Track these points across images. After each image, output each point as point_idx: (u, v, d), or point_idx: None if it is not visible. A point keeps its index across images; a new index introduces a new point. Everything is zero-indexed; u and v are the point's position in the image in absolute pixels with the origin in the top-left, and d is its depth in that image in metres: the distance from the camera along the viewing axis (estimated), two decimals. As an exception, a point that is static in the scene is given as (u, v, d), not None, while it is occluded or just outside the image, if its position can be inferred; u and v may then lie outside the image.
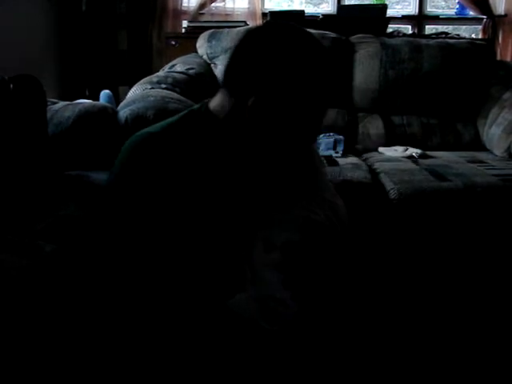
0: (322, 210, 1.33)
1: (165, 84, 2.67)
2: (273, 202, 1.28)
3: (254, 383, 1.21)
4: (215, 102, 1.23)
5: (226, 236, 1.22)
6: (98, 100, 3.24)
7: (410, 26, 4.42)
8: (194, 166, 1.17)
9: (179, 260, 1.17)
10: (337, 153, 2.73)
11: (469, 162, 2.59)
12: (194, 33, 3.57)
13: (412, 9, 4.46)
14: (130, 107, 2.33)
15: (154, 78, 2.76)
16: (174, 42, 3.82)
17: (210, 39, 3.10)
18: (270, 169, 1.25)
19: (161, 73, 2.89)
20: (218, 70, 3.03)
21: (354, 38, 3.15)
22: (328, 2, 4.47)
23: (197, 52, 3.16)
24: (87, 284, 1.36)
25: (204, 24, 3.87)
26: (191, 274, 1.19)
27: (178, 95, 2.57)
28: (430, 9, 4.48)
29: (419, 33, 4.33)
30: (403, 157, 2.67)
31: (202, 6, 4.23)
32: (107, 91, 3.34)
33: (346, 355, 1.36)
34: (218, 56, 3.05)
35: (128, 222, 1.17)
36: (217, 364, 1.20)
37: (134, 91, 2.61)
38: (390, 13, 4.00)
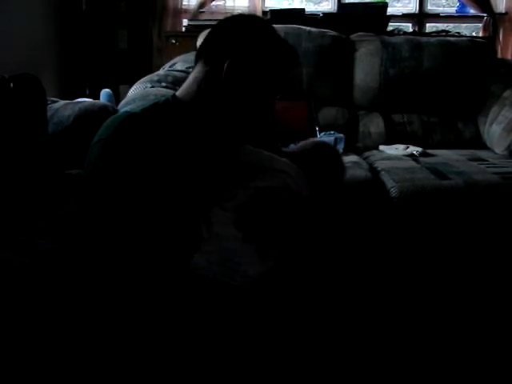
0: (271, 177, 1.47)
1: (165, 82, 2.67)
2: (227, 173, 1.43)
3: (222, 341, 1.28)
4: (181, 89, 1.44)
5: (185, 201, 1.32)
6: (98, 99, 3.24)
7: (410, 24, 4.41)
8: (164, 143, 1.32)
9: (144, 225, 1.26)
10: (337, 151, 2.73)
11: (469, 160, 2.58)
12: (194, 31, 3.57)
13: (412, 7, 4.46)
14: (130, 106, 2.33)
15: (154, 76, 2.76)
16: (174, 41, 3.82)
17: (210, 38, 3.09)
18: (237, 134, 1.42)
19: (161, 71, 2.89)
20: (219, 68, 3.03)
21: (354, 37, 3.15)
22: (328, 1, 4.46)
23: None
24: (86, 281, 1.37)
25: (204, 22, 3.86)
26: (153, 238, 1.27)
27: (179, 94, 2.57)
28: (430, 7, 4.47)
29: (420, 31, 4.33)
30: (404, 155, 2.66)
31: (202, 5, 4.23)
32: (107, 90, 3.34)
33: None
34: (218, 54, 3.04)
35: (107, 192, 1.27)
36: (184, 323, 1.27)
37: (135, 90, 2.61)
38: (390, 11, 4.00)
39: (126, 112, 1.37)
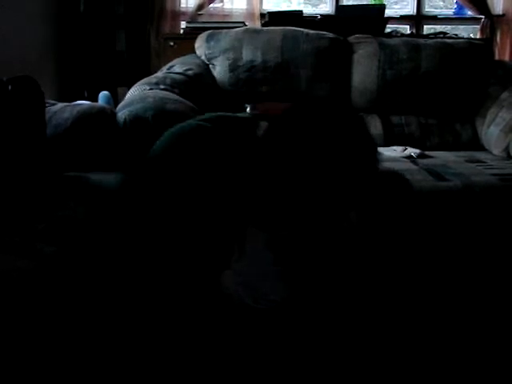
0: None
1: (163, 85, 2.67)
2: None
3: (242, 359, 1.28)
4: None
5: (226, 215, 1.34)
6: (96, 101, 3.24)
7: (408, 26, 4.42)
8: (223, 161, 1.36)
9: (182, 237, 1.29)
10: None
11: (467, 161, 2.59)
12: (192, 33, 3.57)
13: (410, 9, 4.46)
14: (128, 108, 2.33)
15: (152, 78, 2.76)
16: (172, 43, 3.83)
17: (208, 40, 3.10)
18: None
19: (159, 74, 2.89)
20: (217, 70, 3.04)
21: (352, 39, 3.15)
22: (326, 3, 4.46)
23: (195, 53, 3.16)
24: (87, 285, 1.38)
25: (202, 25, 3.87)
26: (189, 250, 1.30)
27: (177, 96, 2.57)
28: (428, 9, 4.48)
29: (417, 33, 4.33)
30: (402, 157, 2.67)
31: (200, 7, 4.23)
32: (106, 92, 3.34)
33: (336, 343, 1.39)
34: (216, 57, 3.05)
35: (162, 195, 1.27)
36: (207, 339, 1.28)
37: (133, 92, 2.61)
38: (388, 13, 4.00)
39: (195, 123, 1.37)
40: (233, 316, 1.29)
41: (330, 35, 3.10)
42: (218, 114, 1.59)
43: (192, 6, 4.25)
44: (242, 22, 3.90)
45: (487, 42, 4.00)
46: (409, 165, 2.50)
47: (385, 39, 3.17)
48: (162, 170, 1.28)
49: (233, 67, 3.00)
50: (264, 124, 1.47)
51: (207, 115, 1.51)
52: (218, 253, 1.31)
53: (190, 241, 1.26)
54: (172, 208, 1.25)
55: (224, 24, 3.71)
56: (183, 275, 1.26)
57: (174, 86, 2.69)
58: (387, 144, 2.88)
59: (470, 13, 4.38)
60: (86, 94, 3.90)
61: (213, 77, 3.03)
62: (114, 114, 2.31)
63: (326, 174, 1.34)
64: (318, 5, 4.62)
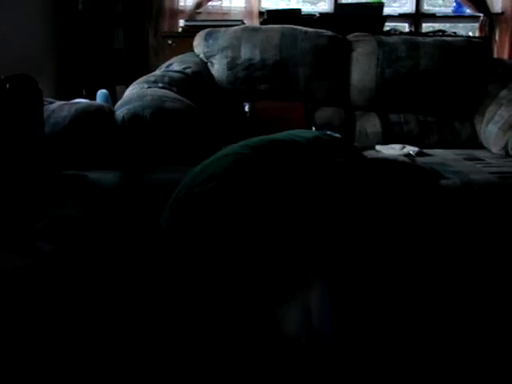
0: None
1: (162, 83, 2.67)
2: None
3: None
4: None
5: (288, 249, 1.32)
6: (94, 99, 3.24)
7: (406, 24, 4.42)
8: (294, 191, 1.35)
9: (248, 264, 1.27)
10: (334, 151, 2.72)
11: (466, 159, 2.59)
12: (190, 32, 3.57)
13: (409, 7, 4.46)
14: (126, 106, 2.32)
15: (150, 77, 2.75)
16: (170, 41, 3.82)
17: (206, 38, 3.10)
18: None
19: (158, 72, 2.89)
20: (215, 68, 3.03)
21: (350, 37, 3.15)
22: (325, 1, 4.46)
23: (193, 51, 3.16)
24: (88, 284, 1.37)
25: (201, 23, 3.86)
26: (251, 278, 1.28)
27: (175, 94, 2.56)
28: (426, 7, 4.48)
29: (416, 31, 4.33)
30: (400, 155, 2.66)
31: (198, 5, 4.23)
32: (104, 91, 3.34)
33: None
34: (214, 55, 3.04)
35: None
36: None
37: (131, 90, 2.61)
38: (386, 11, 4.01)
39: None
40: (283, 352, 1.27)
41: (329, 33, 3.09)
42: (265, 139, 1.57)
43: (190, 4, 4.25)
44: (241, 21, 3.90)
45: (486, 40, 3.99)
46: (407, 163, 2.50)
47: (383, 37, 3.16)
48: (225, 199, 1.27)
49: (231, 65, 3.00)
50: (341, 160, 1.49)
51: (257, 140, 1.49)
52: (279, 282, 1.29)
53: (247, 274, 1.24)
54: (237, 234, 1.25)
55: (222, 22, 3.71)
56: (238, 304, 1.25)
57: (172, 84, 2.69)
58: (386, 142, 2.88)
59: (468, 11, 4.38)
60: (84, 93, 3.90)
61: (211, 75, 3.03)
62: (113, 113, 2.31)
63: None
64: (316, 3, 4.62)
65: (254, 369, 1.26)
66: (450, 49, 3.07)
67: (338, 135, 2.78)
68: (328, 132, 2.81)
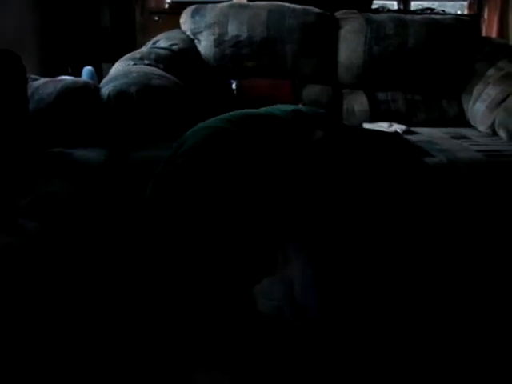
0: None
1: (148, 60, 2.65)
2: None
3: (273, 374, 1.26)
4: None
5: (269, 219, 1.32)
6: (80, 77, 3.20)
7: (395, 2, 4.40)
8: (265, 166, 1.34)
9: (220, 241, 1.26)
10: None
11: (453, 137, 2.60)
12: (177, 8, 3.53)
13: (397, -16, 4.44)
14: (112, 83, 2.30)
15: (136, 54, 2.73)
16: (157, 18, 3.78)
17: (193, 15, 3.06)
18: None
19: (144, 49, 2.86)
20: (202, 45, 3.00)
21: (338, 14, 3.13)
22: (313, -22, 4.42)
23: (180, 28, 3.13)
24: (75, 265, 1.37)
25: (187, -1, 3.82)
26: (227, 254, 1.27)
27: (161, 71, 2.54)
28: (415, -16, 4.46)
29: (405, 9, 4.32)
30: (388, 133, 2.66)
31: (185, -19, 4.18)
32: (89, 68, 3.31)
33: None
34: (201, 31, 3.01)
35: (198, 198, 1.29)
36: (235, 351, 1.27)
37: (117, 67, 2.58)
38: (375, -12, 3.99)
39: None
40: (267, 329, 1.28)
41: (317, 10, 3.07)
42: (244, 112, 1.56)
43: (177, -20, 4.20)
44: (228, -3, 3.85)
45: (474, 18, 3.98)
46: (394, 141, 2.50)
47: (372, 15, 3.14)
48: (200, 171, 1.26)
49: (218, 42, 2.97)
50: (320, 133, 1.47)
51: (236, 114, 1.48)
52: (260, 257, 1.29)
53: (226, 247, 1.24)
54: (209, 210, 1.24)
55: (209, -1, 3.66)
56: (214, 282, 1.24)
57: (158, 61, 2.66)
58: (373, 120, 2.88)
59: (457, -11, 4.36)
60: (69, 70, 3.86)
61: (198, 52, 3.00)
62: (98, 90, 2.29)
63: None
64: (304, -20, 4.57)
65: (235, 345, 1.27)
66: (438, 27, 3.06)
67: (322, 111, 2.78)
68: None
